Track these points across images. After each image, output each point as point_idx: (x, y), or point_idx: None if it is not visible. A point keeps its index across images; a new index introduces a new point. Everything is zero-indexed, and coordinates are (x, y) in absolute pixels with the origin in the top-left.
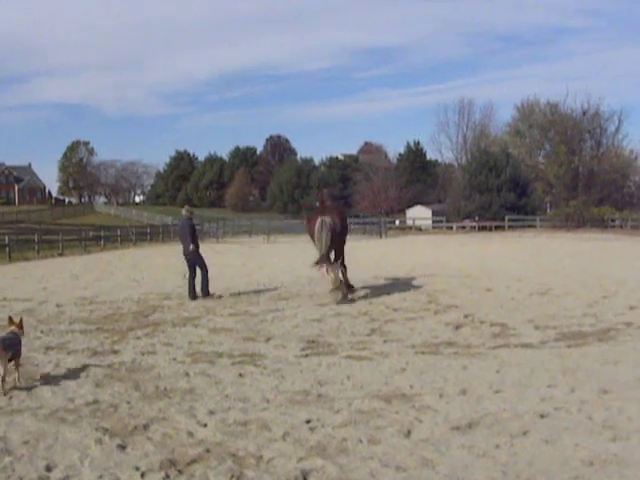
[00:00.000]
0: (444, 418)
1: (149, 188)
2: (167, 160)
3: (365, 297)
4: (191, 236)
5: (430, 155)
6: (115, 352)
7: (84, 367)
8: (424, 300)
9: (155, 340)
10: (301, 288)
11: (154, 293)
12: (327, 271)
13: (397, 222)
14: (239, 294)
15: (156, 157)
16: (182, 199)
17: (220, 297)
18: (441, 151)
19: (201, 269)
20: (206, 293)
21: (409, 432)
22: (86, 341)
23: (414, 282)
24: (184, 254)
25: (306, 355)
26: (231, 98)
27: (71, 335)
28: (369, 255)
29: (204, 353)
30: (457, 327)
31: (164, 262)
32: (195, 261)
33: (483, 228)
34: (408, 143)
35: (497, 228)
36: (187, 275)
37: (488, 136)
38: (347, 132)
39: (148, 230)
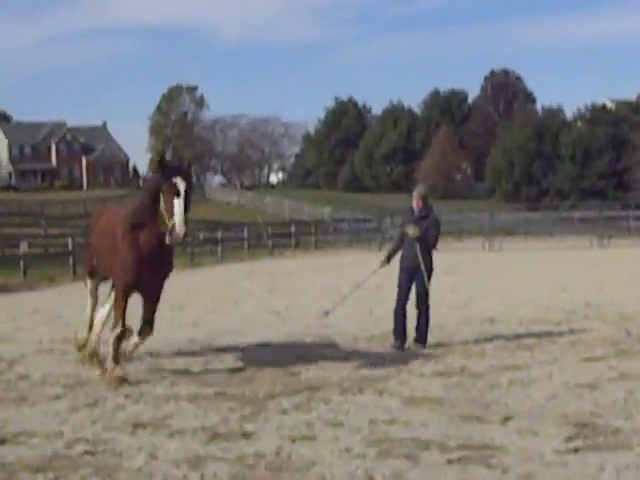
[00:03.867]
0: None
1: (292, 161)
2: (321, 115)
3: None
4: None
5: None
6: (247, 435)
7: (196, 460)
8: None
9: (313, 416)
10: (554, 329)
11: (307, 334)
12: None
13: None
14: (448, 339)
15: (303, 110)
16: (345, 178)
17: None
18: None
19: (424, 296)
20: (423, 339)
21: None
22: (199, 415)
23: None
24: (406, 267)
25: (575, 450)
26: (418, 12)
27: (174, 404)
28: None
29: (397, 441)
30: None
31: (335, 282)
32: (422, 279)
33: None
34: None
35: None
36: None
37: None
38: (621, 63)
39: (292, 229)
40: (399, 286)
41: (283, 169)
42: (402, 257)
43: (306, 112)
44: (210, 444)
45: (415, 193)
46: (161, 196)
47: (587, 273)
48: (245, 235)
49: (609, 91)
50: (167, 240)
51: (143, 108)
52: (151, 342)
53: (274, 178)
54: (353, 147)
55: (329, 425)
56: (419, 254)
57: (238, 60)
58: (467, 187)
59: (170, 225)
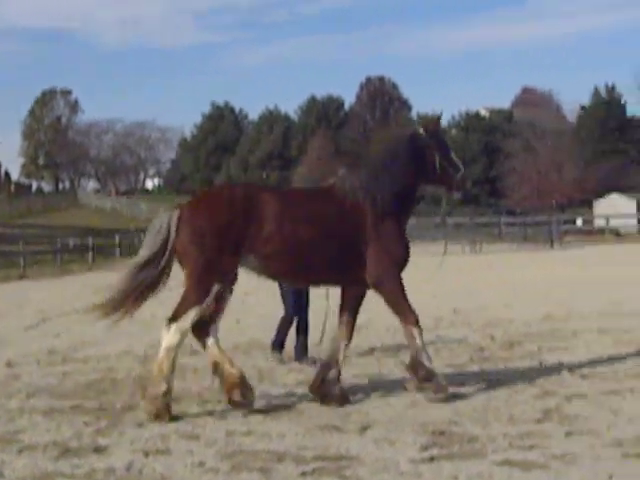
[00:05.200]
0: None
1: (168, 166)
2: (198, 120)
3: (531, 354)
4: None
5: (635, 110)
6: (99, 450)
7: (44, 477)
8: (637, 361)
9: (170, 429)
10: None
11: None
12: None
13: (579, 222)
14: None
15: (180, 115)
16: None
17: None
18: None
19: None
20: (279, 345)
21: None
22: (52, 429)
23: (618, 329)
24: None
25: (430, 459)
26: (303, 17)
27: (28, 418)
28: (535, 279)
29: (252, 453)
30: None
31: None
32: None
33: None
34: (596, 89)
35: None
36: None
37: None
38: (495, 72)
39: None
40: (284, 296)
41: (159, 174)
42: None
43: (183, 116)
44: (60, 460)
45: None
46: (432, 154)
47: (457, 279)
48: (117, 241)
49: (483, 99)
50: (457, 195)
51: (15, 112)
52: (14, 351)
53: (150, 183)
54: (230, 153)
55: (184, 438)
56: None
57: (115, 64)
58: None
59: (457, 177)
